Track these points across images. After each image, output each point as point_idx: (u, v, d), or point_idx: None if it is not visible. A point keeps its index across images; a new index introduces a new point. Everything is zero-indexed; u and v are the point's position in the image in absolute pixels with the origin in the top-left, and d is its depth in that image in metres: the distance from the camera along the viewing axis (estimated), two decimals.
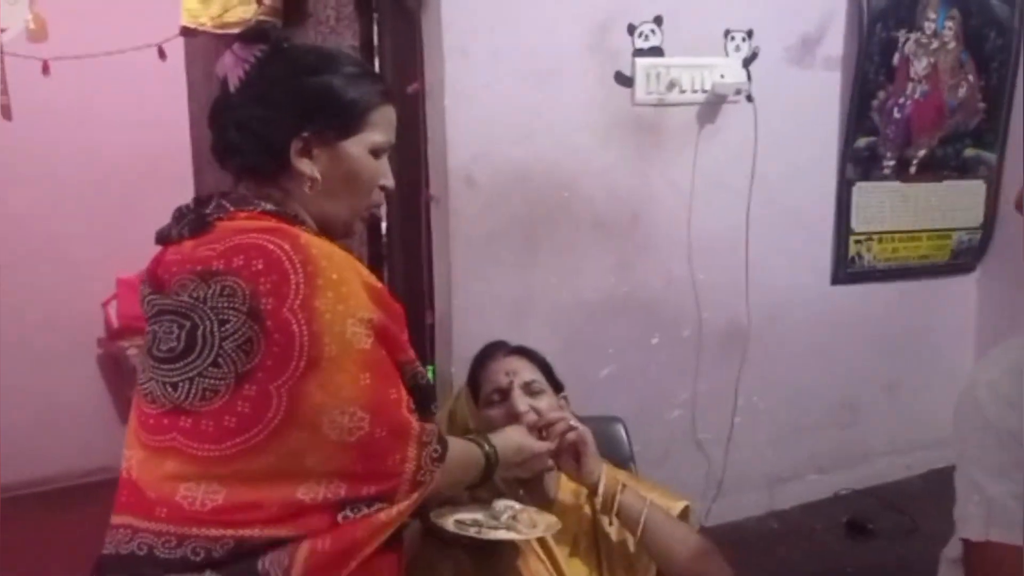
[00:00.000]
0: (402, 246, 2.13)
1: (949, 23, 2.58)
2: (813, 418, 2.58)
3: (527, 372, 1.55)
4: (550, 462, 1.38)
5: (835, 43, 2.45)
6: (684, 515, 1.46)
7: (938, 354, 2.79)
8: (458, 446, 1.19)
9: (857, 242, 2.57)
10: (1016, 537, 1.17)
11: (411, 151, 2.06)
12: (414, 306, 2.10)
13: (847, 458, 2.66)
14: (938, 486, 2.56)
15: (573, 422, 1.42)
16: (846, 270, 2.57)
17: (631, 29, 2.18)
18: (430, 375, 2.05)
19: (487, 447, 1.24)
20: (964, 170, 2.72)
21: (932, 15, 2.55)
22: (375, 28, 2.10)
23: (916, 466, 2.74)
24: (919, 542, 2.29)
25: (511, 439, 1.30)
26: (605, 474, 1.41)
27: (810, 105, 2.44)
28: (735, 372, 2.42)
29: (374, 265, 2.14)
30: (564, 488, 1.46)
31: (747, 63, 2.32)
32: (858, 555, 2.31)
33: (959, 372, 2.72)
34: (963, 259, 2.79)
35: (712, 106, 2.30)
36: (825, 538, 2.40)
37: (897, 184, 2.61)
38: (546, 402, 1.52)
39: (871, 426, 2.69)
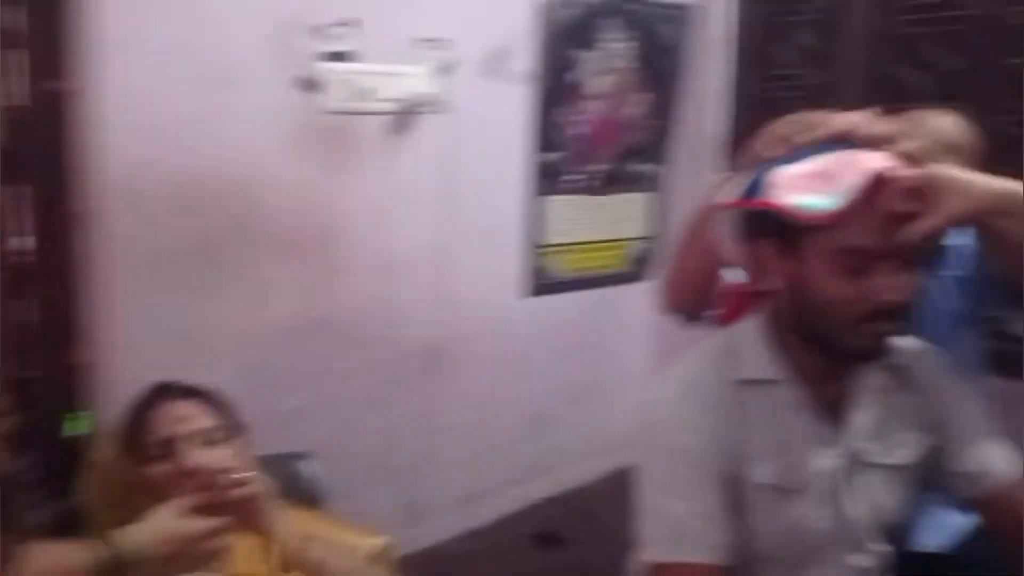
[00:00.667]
0: (47, 271, 1.82)
1: (624, 44, 2.71)
2: (508, 432, 2.60)
3: (202, 418, 1.37)
4: (218, 539, 1.20)
5: (525, 57, 2.48)
6: (380, 552, 1.37)
7: (620, 360, 2.95)
8: (50, 554, 0.98)
9: (546, 255, 2.63)
10: (701, 555, 1.19)
11: (58, 158, 1.77)
12: (67, 342, 1.81)
13: (541, 468, 2.72)
14: (625, 486, 2.70)
15: (242, 474, 1.26)
16: (537, 283, 2.62)
17: (317, 31, 2.03)
18: (84, 425, 1.77)
19: (108, 552, 1.04)
20: (638, 183, 2.88)
21: (609, 35, 2.67)
22: (16, 16, 1.77)
23: (603, 468, 2.88)
24: (608, 545, 2.39)
25: (158, 528, 1.12)
26: (286, 525, 1.28)
27: (502, 119, 2.45)
28: (432, 393, 2.37)
29: (14, 293, 1.81)
30: (242, 553, 1.30)
31: (441, 73, 2.26)
32: (549, 564, 2.36)
33: (638, 377, 2.91)
34: (638, 268, 2.96)
35: (406, 116, 2.22)
36: (518, 551, 2.42)
37: (581, 198, 2.71)
38: (224, 452, 1.35)
39: (562, 434, 2.78)
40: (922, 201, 1.14)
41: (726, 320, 1.39)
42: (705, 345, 1.36)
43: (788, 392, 1.26)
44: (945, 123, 1.70)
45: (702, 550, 1.19)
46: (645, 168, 2.87)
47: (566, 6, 2.50)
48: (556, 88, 2.54)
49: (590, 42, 2.60)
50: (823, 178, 1.19)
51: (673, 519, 1.20)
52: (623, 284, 2.92)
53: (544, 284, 2.64)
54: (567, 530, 2.48)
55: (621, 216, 2.84)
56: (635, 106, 2.79)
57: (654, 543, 1.23)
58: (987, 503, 1.33)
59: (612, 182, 2.78)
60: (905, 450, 1.30)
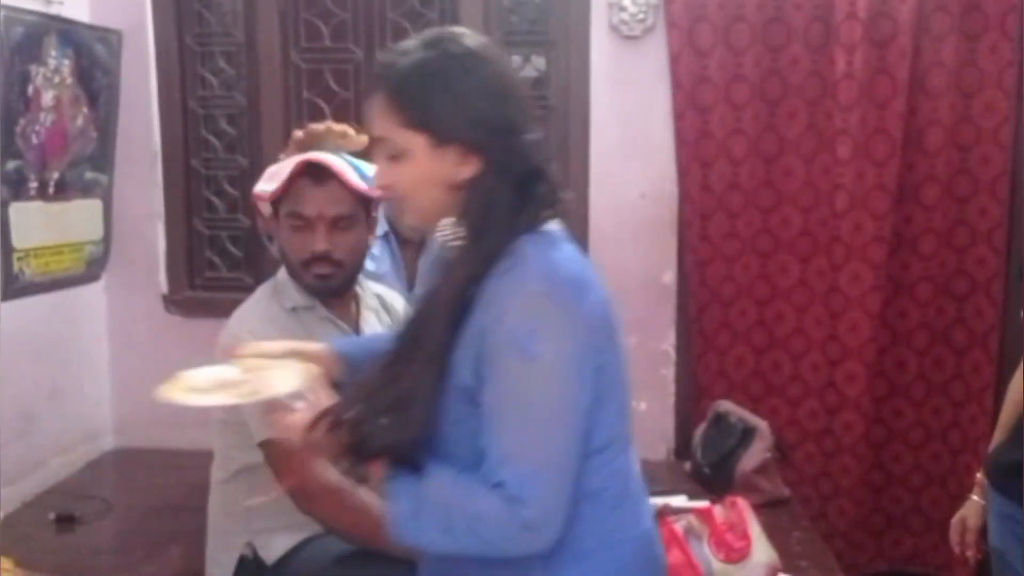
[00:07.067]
0: None
1: (65, 61, 2.92)
2: None
3: None
4: None
5: None
6: None
7: (86, 356, 3.14)
8: None
9: (19, 259, 2.72)
10: None
11: None
12: None
13: (30, 464, 2.79)
14: (100, 473, 2.96)
15: None
16: (12, 287, 2.69)
17: None
18: None
19: None
20: (87, 190, 3.10)
21: (53, 53, 2.86)
22: None
23: (81, 460, 3.06)
24: (118, 517, 2.66)
25: None
26: None
27: None
28: None
29: None
30: None
31: None
32: (71, 544, 2.51)
33: (102, 371, 3.15)
34: (93, 269, 3.18)
35: None
36: (40, 538, 2.50)
37: (41, 204, 2.84)
38: None
39: (43, 432, 2.88)
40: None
41: None
42: (258, 289, 1.92)
43: (320, 312, 1.88)
44: None
45: None
46: (92, 176, 3.10)
47: (16, 23, 2.64)
48: (16, 99, 2.66)
49: (39, 58, 2.77)
50: (279, 169, 1.85)
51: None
52: (83, 285, 3.11)
53: (17, 288, 2.72)
54: (78, 511, 2.63)
55: (76, 221, 3.04)
56: (79, 118, 3.01)
57: (262, 427, 1.73)
58: None
59: (66, 189, 2.96)
60: None
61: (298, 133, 1.97)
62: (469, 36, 1.27)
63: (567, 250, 1.25)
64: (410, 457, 1.22)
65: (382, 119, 1.25)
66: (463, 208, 1.25)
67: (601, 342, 1.23)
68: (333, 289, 1.89)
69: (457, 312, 1.20)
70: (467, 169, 1.23)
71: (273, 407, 1.28)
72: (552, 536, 1.18)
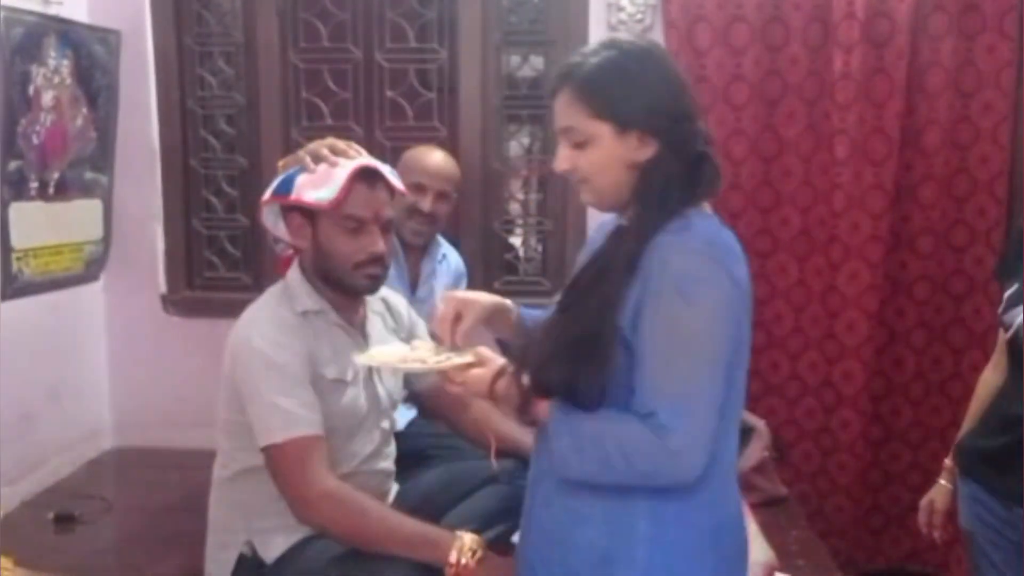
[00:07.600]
0: None
1: (65, 61, 2.92)
2: None
3: None
4: None
5: None
6: None
7: (86, 356, 3.15)
8: None
9: (18, 259, 2.72)
10: (307, 430, 1.74)
11: None
12: None
13: (29, 464, 2.80)
14: (100, 472, 2.96)
15: None
16: (12, 286, 2.69)
17: None
18: None
19: None
20: (87, 190, 3.10)
21: (53, 53, 2.86)
22: None
23: (80, 460, 3.07)
24: (118, 516, 2.67)
25: None
26: None
27: None
28: None
29: None
30: None
31: None
32: (71, 544, 2.52)
33: (102, 371, 3.16)
34: (93, 269, 3.18)
35: None
36: (40, 538, 2.51)
37: (41, 204, 2.84)
38: None
39: (43, 431, 2.88)
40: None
41: (282, 273, 1.95)
42: (267, 292, 1.91)
43: (330, 317, 1.88)
44: (437, 156, 2.57)
45: (306, 426, 1.74)
46: (92, 176, 3.10)
47: (16, 24, 2.64)
48: (17, 100, 2.67)
49: (39, 58, 2.77)
50: (325, 177, 1.83)
51: (282, 411, 1.73)
52: (82, 285, 3.11)
53: (16, 288, 2.72)
54: (79, 510, 2.63)
55: (76, 221, 3.04)
56: (79, 119, 3.01)
57: (272, 431, 1.74)
58: (424, 397, 2.12)
59: (66, 189, 2.96)
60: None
61: (304, 156, 1.92)
62: (639, 38, 1.51)
63: (726, 231, 1.42)
64: (583, 393, 1.34)
65: (570, 111, 1.40)
66: (641, 184, 1.40)
67: (741, 313, 1.37)
68: (377, 289, 1.93)
69: (633, 263, 1.34)
70: (646, 151, 1.39)
71: (457, 370, 1.49)
72: (695, 465, 1.30)
